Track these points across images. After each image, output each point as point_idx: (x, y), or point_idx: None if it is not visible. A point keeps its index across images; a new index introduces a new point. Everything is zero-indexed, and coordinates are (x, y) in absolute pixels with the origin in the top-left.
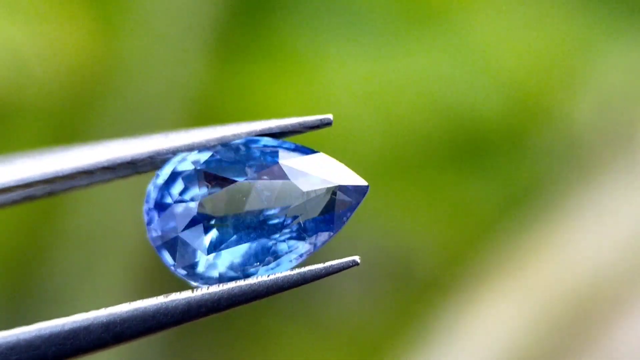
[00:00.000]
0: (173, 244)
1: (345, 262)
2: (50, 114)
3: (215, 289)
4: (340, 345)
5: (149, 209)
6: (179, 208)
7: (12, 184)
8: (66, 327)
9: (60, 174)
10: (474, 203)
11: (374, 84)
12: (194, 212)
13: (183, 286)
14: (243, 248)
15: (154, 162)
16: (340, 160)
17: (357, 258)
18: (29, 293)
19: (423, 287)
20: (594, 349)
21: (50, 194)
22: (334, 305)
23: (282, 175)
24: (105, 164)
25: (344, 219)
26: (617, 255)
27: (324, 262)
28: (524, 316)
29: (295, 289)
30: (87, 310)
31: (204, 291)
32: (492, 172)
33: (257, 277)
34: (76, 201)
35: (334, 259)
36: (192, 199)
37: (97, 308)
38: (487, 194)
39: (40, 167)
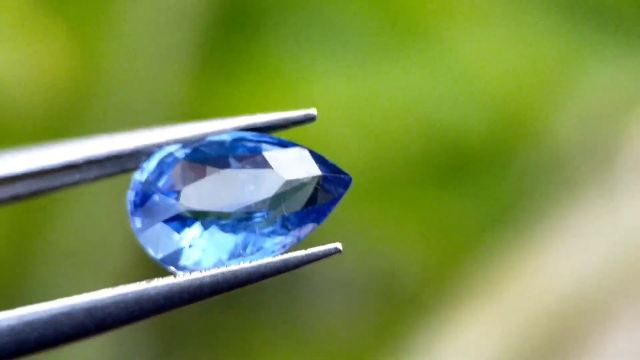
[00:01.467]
0: (156, 235)
1: (328, 249)
2: (30, 134)
3: (197, 275)
4: None
5: (133, 200)
6: (162, 199)
7: None
8: (47, 313)
9: (47, 168)
10: (457, 220)
11: (358, 101)
12: (176, 204)
13: None
14: (226, 240)
15: (139, 157)
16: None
17: (339, 245)
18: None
19: (406, 304)
20: None
21: (36, 193)
22: (318, 321)
23: (265, 165)
24: (91, 158)
25: (327, 211)
26: (599, 272)
27: (305, 250)
28: (506, 333)
29: (277, 282)
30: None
31: (186, 277)
32: (475, 189)
33: (239, 264)
34: (62, 210)
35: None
36: (175, 191)
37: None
38: (470, 210)
39: (25, 161)
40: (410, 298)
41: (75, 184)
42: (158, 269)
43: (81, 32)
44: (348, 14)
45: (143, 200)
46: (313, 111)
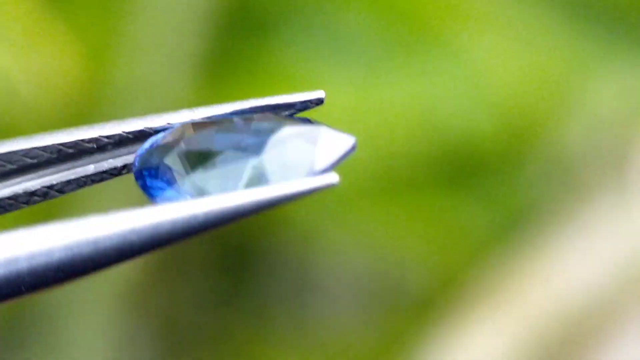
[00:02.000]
0: (155, 170)
1: (325, 180)
2: None
3: (198, 201)
4: None
5: (137, 155)
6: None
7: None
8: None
9: (66, 144)
10: (466, 225)
11: (367, 107)
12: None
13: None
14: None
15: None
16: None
17: (336, 177)
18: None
19: (414, 309)
20: None
21: (46, 194)
22: (326, 326)
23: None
24: (105, 136)
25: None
26: (610, 279)
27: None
28: (516, 339)
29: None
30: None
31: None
32: (484, 194)
33: (237, 191)
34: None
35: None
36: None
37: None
38: (479, 216)
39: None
40: (419, 304)
41: (82, 185)
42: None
43: (89, 38)
44: (356, 20)
45: (145, 153)
46: (321, 93)
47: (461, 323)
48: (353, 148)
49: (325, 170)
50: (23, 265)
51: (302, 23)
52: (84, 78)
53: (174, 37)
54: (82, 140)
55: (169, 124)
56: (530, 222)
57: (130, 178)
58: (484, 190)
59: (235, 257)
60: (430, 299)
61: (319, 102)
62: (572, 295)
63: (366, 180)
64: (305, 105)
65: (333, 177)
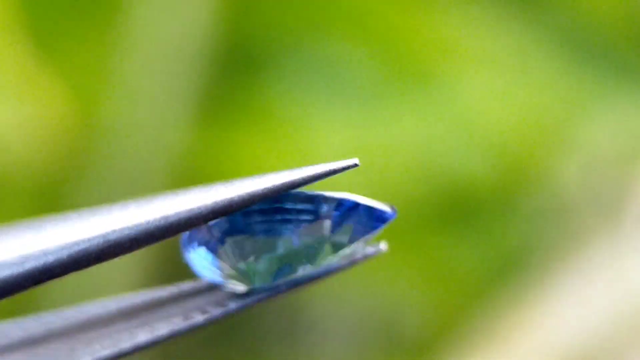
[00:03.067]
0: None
1: (346, 164)
2: (33, 187)
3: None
4: None
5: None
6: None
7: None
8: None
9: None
10: (462, 266)
11: (360, 146)
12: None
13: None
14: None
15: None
16: None
17: (357, 160)
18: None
19: (411, 350)
20: None
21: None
22: None
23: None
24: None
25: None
26: (606, 321)
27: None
28: None
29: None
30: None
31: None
32: (480, 235)
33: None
34: None
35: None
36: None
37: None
38: (474, 256)
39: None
40: (414, 344)
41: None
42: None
43: (79, 83)
44: (351, 59)
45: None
46: (355, 160)
47: None
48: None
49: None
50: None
51: (297, 62)
52: (76, 124)
53: (166, 78)
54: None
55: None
56: (525, 263)
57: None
58: (478, 231)
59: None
60: (426, 340)
61: (354, 166)
62: (567, 340)
63: None
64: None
65: (354, 160)
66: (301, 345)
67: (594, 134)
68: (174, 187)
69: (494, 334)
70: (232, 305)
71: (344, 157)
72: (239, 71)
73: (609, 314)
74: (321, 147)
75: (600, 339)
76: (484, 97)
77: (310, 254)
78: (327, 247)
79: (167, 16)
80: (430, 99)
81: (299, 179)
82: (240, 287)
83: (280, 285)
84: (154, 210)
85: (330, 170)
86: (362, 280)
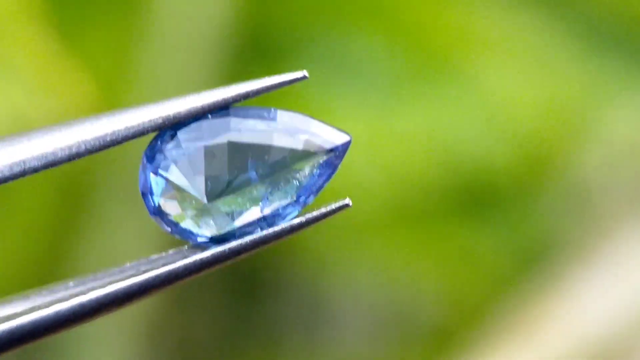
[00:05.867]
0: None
1: (337, 206)
2: (55, 180)
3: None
4: None
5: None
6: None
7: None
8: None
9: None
10: (482, 256)
11: (380, 136)
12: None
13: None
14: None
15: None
16: (344, 215)
17: (348, 201)
18: None
19: (428, 340)
20: None
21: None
22: (338, 356)
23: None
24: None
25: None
26: (630, 316)
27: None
28: None
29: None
30: None
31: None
32: (501, 225)
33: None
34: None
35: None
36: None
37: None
38: (495, 247)
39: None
40: (432, 335)
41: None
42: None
43: (102, 72)
44: (370, 49)
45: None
46: (304, 73)
47: (476, 356)
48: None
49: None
50: None
51: (315, 53)
52: (95, 110)
53: (188, 68)
54: None
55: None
56: (546, 253)
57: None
58: (499, 221)
59: (248, 285)
60: (445, 331)
61: (303, 77)
62: (591, 331)
63: (380, 209)
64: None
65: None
66: (319, 334)
67: (616, 123)
68: None
69: (513, 325)
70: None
71: (363, 147)
72: (258, 60)
73: (633, 304)
74: None
75: (624, 329)
76: (505, 85)
77: (270, 190)
78: (288, 179)
79: (188, 5)
80: (450, 89)
81: (244, 92)
82: (197, 231)
83: (243, 242)
84: None
85: (277, 83)
86: (381, 269)
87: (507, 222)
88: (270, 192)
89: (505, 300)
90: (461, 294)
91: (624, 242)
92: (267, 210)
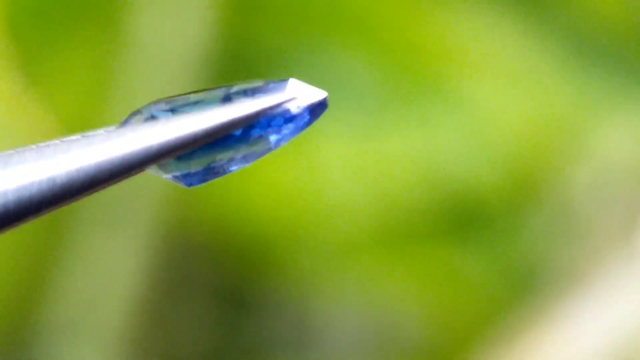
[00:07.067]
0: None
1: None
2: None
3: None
4: None
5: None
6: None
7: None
8: None
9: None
10: (469, 278)
11: (366, 156)
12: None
13: None
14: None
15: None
16: (331, 235)
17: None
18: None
19: None
20: None
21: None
22: None
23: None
24: None
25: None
26: (623, 338)
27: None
28: None
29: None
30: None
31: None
32: (489, 247)
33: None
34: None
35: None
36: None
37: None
38: (482, 268)
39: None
40: (417, 357)
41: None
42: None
43: (69, 113)
44: (355, 68)
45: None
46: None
47: None
48: (325, 103)
49: (301, 114)
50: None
51: (300, 72)
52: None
53: (167, 88)
54: None
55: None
56: (536, 275)
57: None
58: (487, 242)
59: (234, 304)
60: (431, 352)
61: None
62: (581, 355)
63: (367, 230)
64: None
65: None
66: (306, 356)
67: (606, 143)
68: (180, 194)
69: (501, 349)
70: None
71: (350, 167)
72: (238, 80)
73: (623, 330)
74: (326, 157)
75: (615, 352)
76: (492, 104)
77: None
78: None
79: (168, 23)
80: (437, 108)
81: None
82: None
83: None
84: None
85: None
86: (368, 290)
87: (495, 243)
88: None
89: (493, 323)
90: (448, 315)
91: (615, 265)
92: None
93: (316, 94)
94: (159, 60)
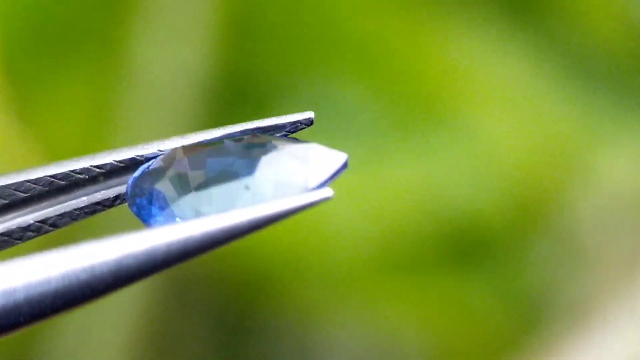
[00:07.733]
0: (148, 196)
1: (320, 195)
2: None
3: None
4: None
5: (129, 182)
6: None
7: None
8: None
9: (57, 175)
10: (472, 306)
11: (369, 184)
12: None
13: None
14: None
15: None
16: (332, 263)
17: (330, 191)
18: None
19: None
20: None
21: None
22: None
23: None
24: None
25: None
26: None
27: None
28: None
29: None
30: None
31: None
32: (492, 273)
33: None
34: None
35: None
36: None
37: None
38: (486, 296)
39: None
40: None
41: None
42: None
43: (59, 145)
44: (358, 96)
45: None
46: (310, 114)
47: None
48: (345, 165)
49: (319, 187)
50: (20, 296)
51: (302, 99)
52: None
53: (165, 120)
54: (73, 171)
55: (159, 150)
56: (539, 304)
57: (126, 208)
58: (490, 270)
59: (233, 332)
60: None
61: (309, 123)
62: None
63: (368, 258)
64: (296, 126)
65: (328, 192)
66: None
67: (611, 168)
68: None
69: None
70: None
71: (351, 195)
72: (238, 110)
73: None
74: (329, 185)
75: None
76: (495, 132)
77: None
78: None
79: (167, 53)
80: (440, 133)
81: (241, 131)
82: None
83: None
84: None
85: (281, 123)
86: (369, 319)
87: (498, 271)
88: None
89: (496, 352)
90: (450, 345)
91: (622, 292)
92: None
93: (336, 159)
94: (156, 94)
